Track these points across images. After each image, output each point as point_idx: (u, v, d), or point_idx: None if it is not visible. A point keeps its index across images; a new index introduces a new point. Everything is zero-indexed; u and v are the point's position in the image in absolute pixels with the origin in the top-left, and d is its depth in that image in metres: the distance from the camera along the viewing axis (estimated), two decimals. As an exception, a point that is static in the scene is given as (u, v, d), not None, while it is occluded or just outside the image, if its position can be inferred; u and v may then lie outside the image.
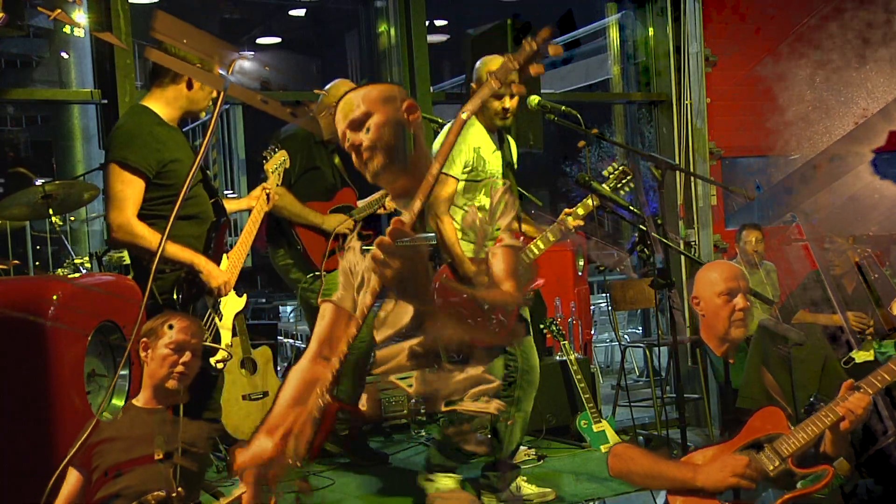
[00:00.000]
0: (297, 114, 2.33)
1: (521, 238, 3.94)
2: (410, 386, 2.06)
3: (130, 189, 3.30)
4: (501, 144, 4.02)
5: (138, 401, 2.92)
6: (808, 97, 5.94)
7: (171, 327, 2.88)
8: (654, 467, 2.73)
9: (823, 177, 6.69)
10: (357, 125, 2.10)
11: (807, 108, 5.97)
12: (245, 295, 3.72)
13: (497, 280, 2.15)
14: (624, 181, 3.80)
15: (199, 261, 3.36)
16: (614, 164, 3.85)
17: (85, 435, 2.36)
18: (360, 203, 4.69)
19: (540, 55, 1.82)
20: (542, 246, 3.89)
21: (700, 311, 3.01)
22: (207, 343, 3.31)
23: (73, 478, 2.77)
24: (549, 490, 4.16)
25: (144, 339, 2.90)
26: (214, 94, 3.53)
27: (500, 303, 2.15)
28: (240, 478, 2.05)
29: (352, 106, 2.11)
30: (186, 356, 2.87)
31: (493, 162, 3.93)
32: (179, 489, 2.64)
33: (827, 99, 6.01)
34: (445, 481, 3.97)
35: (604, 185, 3.78)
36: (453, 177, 3.77)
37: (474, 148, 3.85)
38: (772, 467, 2.56)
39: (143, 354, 2.91)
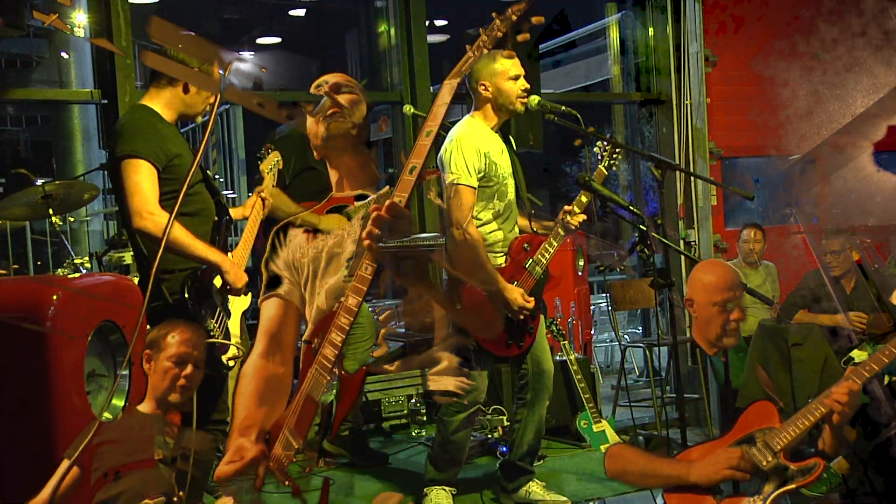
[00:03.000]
0: (293, 116, 2.33)
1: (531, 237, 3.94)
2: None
3: (149, 179, 3.27)
4: (507, 142, 3.99)
5: (143, 407, 2.91)
6: (805, 91, 5.95)
7: (173, 338, 2.85)
8: (649, 466, 2.75)
9: (822, 169, 6.71)
10: (338, 89, 2.20)
11: (807, 102, 5.98)
12: (250, 293, 3.73)
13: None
14: (616, 155, 3.87)
15: (225, 261, 3.35)
16: (599, 143, 3.89)
17: (90, 435, 2.35)
18: (357, 203, 4.68)
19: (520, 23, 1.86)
20: (555, 244, 3.88)
21: (693, 312, 2.98)
22: (219, 340, 3.31)
23: (69, 472, 2.75)
24: (565, 499, 4.13)
25: (147, 351, 2.87)
26: (211, 98, 3.52)
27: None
28: (220, 487, 2.00)
29: (343, 77, 2.24)
30: (188, 369, 2.84)
31: (504, 163, 3.88)
32: (181, 493, 2.63)
33: (823, 92, 6.03)
34: (439, 494, 3.98)
35: (600, 167, 3.87)
36: (470, 186, 3.72)
37: (484, 153, 3.77)
38: (765, 462, 2.57)
39: (146, 366, 2.88)
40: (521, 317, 3.78)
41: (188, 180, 2.19)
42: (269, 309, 2.18)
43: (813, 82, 5.90)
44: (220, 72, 1.94)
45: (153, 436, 2.74)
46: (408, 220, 1.86)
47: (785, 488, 2.54)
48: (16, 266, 4.61)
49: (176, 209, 2.13)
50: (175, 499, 2.61)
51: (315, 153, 2.30)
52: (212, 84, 1.88)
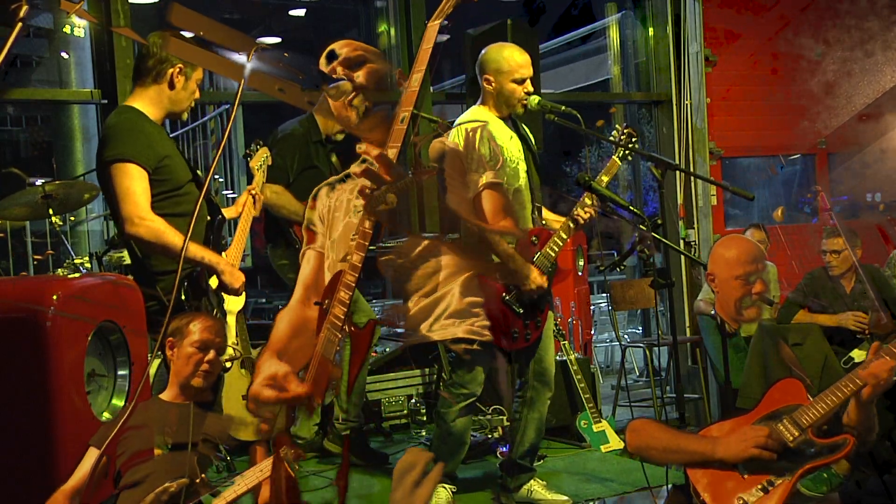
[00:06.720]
0: (315, 101, 2.33)
1: (541, 230, 3.92)
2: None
3: (139, 183, 3.23)
4: (517, 129, 3.97)
5: (165, 396, 2.98)
6: (830, 66, 5.92)
7: (195, 325, 2.95)
8: (673, 441, 2.69)
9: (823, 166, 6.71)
10: (352, 64, 2.11)
11: (828, 77, 5.95)
12: (243, 294, 3.73)
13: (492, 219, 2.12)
14: (632, 142, 3.83)
15: (220, 262, 3.33)
16: (618, 126, 3.86)
17: (119, 424, 2.41)
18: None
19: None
20: (564, 237, 3.85)
21: (715, 288, 2.96)
22: None
23: (93, 457, 2.78)
24: (566, 498, 4.13)
25: (170, 339, 2.97)
26: (197, 94, 3.47)
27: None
28: (257, 413, 1.98)
29: (350, 47, 2.13)
30: (211, 354, 2.95)
31: (511, 147, 3.86)
32: (203, 476, 2.67)
33: (850, 67, 5.99)
34: (439, 492, 3.97)
35: (614, 157, 3.84)
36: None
37: (487, 138, 3.76)
38: (791, 438, 2.53)
39: (169, 353, 2.97)
40: (535, 296, 3.77)
41: (205, 189, 2.18)
42: (305, 262, 2.20)
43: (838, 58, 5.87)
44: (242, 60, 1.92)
45: (177, 423, 2.80)
46: (399, 170, 1.83)
47: (813, 463, 2.51)
48: (51, 252, 4.63)
49: (191, 227, 2.13)
50: (198, 481, 2.65)
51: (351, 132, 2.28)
52: (235, 70, 1.85)
